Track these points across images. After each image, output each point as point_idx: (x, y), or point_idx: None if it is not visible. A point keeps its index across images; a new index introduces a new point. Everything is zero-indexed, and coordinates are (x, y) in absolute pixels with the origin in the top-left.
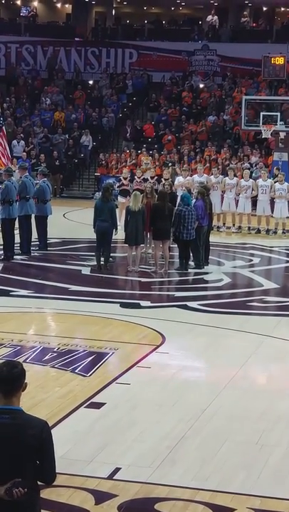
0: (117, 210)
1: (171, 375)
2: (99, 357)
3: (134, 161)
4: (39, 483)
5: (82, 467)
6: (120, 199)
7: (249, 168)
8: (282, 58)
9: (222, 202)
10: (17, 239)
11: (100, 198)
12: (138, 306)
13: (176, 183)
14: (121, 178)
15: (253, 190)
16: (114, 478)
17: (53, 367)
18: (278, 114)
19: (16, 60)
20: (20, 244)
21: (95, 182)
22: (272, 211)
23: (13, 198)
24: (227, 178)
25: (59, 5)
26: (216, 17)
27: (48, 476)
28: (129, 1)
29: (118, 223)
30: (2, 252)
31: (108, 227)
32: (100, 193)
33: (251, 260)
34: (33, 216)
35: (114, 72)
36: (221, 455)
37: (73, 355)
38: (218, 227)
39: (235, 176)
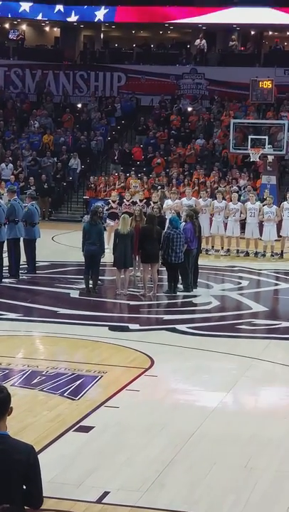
0: (105, 233)
1: (160, 399)
2: (87, 380)
3: (122, 184)
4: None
5: (71, 491)
6: (109, 222)
7: (237, 191)
8: (270, 82)
9: (211, 225)
10: (5, 262)
11: (89, 221)
12: (127, 329)
13: (164, 206)
14: (110, 201)
15: (241, 213)
16: (103, 502)
17: (42, 390)
18: (266, 137)
19: (4, 84)
20: (9, 267)
21: (83, 205)
22: (261, 234)
23: (2, 221)
24: (215, 201)
25: (47, 28)
26: (204, 41)
27: (35, 501)
28: (117, 25)
29: (106, 246)
30: None
31: (97, 250)
32: (89, 216)
33: (240, 283)
34: (21, 239)
35: (102, 95)
36: (210, 479)
37: (62, 379)
38: (206, 250)
39: (223, 199)
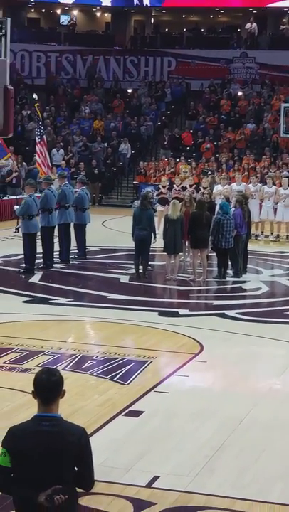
0: (155, 219)
1: (210, 384)
2: (137, 365)
3: (172, 170)
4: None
5: (121, 475)
6: (159, 207)
7: (288, 177)
8: None
9: (260, 210)
10: (56, 247)
11: (139, 206)
12: (176, 315)
13: (214, 191)
14: (159, 186)
15: None
16: (152, 486)
17: (92, 375)
18: None
19: (55, 69)
20: (60, 252)
21: (133, 190)
22: None
23: (53, 206)
24: (265, 186)
25: (98, 14)
26: (254, 24)
27: (86, 483)
28: (168, 10)
29: (157, 231)
30: (42, 260)
31: (147, 235)
32: (139, 201)
33: None
34: (72, 224)
35: (152, 80)
36: (259, 465)
37: (112, 364)
38: (256, 235)
39: (273, 184)
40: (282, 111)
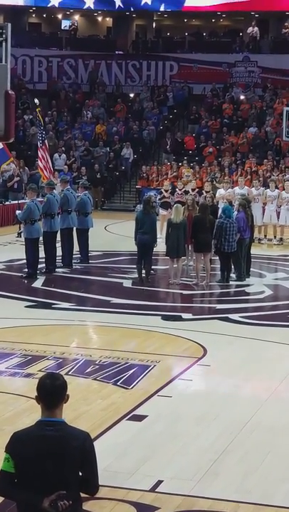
0: (158, 223)
1: (213, 388)
2: (141, 369)
3: (175, 174)
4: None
5: (125, 479)
6: (161, 211)
7: None
8: None
9: (263, 214)
10: (59, 252)
11: (141, 211)
12: (180, 319)
13: (217, 195)
14: (162, 190)
15: None
16: (156, 490)
17: (95, 379)
18: None
19: (57, 74)
20: (62, 257)
21: (136, 194)
22: None
23: (55, 211)
24: (268, 190)
25: (100, 18)
26: (256, 28)
27: (91, 487)
28: (169, 14)
29: (159, 236)
30: (44, 265)
31: (149, 239)
32: (141, 206)
33: None
34: (74, 229)
35: (154, 84)
36: (264, 468)
37: (115, 368)
38: (259, 239)
39: (276, 187)
40: (285, 114)
